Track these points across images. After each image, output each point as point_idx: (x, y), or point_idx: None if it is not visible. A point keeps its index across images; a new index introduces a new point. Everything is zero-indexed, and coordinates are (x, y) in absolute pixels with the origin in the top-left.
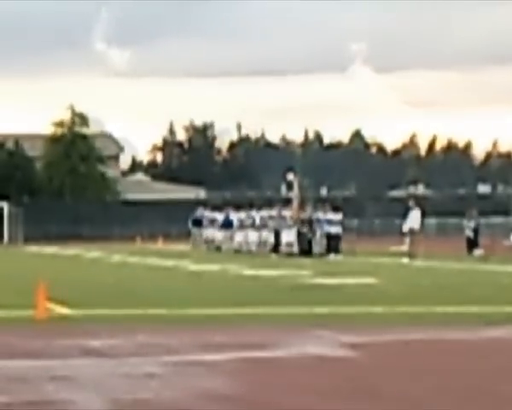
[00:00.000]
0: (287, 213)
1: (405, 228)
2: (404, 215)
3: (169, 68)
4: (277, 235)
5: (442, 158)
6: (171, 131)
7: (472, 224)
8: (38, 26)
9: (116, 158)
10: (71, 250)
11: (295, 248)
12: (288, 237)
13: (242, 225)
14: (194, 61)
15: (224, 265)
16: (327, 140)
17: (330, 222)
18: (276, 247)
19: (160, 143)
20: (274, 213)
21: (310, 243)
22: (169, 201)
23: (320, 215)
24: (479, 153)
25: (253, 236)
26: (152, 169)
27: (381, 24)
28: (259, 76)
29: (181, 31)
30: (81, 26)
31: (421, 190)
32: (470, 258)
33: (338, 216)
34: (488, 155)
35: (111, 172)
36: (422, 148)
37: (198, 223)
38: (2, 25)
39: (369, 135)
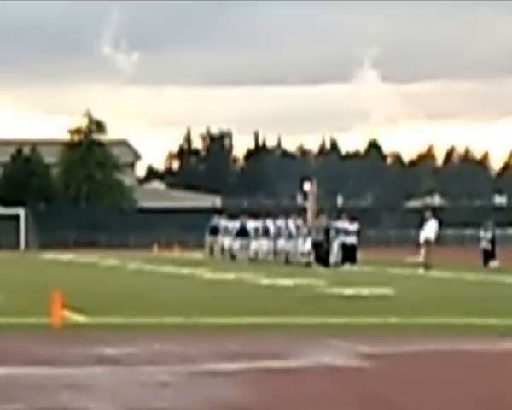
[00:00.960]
0: (291, 222)
1: (421, 239)
2: (421, 226)
3: (186, 76)
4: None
5: (459, 169)
6: (188, 139)
7: (488, 235)
8: (53, 32)
9: (132, 166)
10: (87, 258)
11: (311, 258)
12: (304, 246)
13: (258, 234)
14: (211, 69)
15: (239, 274)
16: (343, 150)
17: (346, 232)
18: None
19: (176, 150)
20: (291, 222)
21: (327, 252)
22: (185, 209)
23: (337, 225)
24: (495, 164)
25: (268, 245)
26: (168, 177)
27: (400, 34)
28: (274, 84)
29: (197, 39)
30: (97, 32)
31: (437, 200)
32: (486, 269)
33: (354, 226)
34: (505, 166)
35: (127, 179)
36: (439, 158)
37: (214, 231)
38: (15, 31)
39: (386, 145)
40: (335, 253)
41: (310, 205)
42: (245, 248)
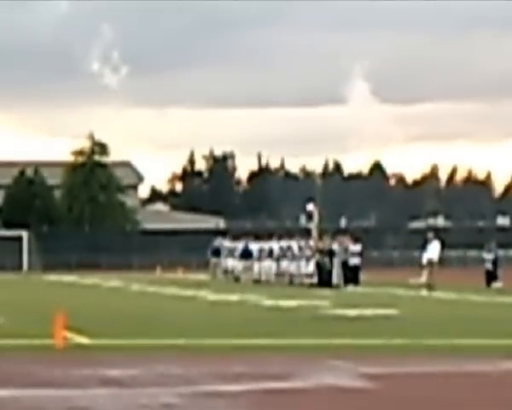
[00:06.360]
0: (294, 243)
1: (424, 260)
2: (423, 247)
3: (189, 98)
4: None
5: (461, 190)
6: (191, 161)
7: (491, 256)
8: (55, 54)
9: (135, 187)
10: (90, 279)
11: (315, 279)
12: (308, 267)
13: (262, 256)
14: (214, 90)
15: (243, 295)
16: (347, 171)
17: (350, 253)
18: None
19: (179, 172)
20: (294, 244)
21: (330, 273)
22: (188, 230)
23: (337, 246)
24: (498, 185)
25: (272, 266)
26: (171, 199)
27: (404, 55)
28: (277, 106)
29: (200, 61)
30: (99, 55)
31: (440, 221)
32: (489, 290)
33: (357, 247)
34: (508, 187)
35: (130, 201)
36: (442, 179)
37: (217, 253)
38: (17, 54)
39: (389, 166)
40: (338, 274)
41: (314, 226)
42: (248, 270)
